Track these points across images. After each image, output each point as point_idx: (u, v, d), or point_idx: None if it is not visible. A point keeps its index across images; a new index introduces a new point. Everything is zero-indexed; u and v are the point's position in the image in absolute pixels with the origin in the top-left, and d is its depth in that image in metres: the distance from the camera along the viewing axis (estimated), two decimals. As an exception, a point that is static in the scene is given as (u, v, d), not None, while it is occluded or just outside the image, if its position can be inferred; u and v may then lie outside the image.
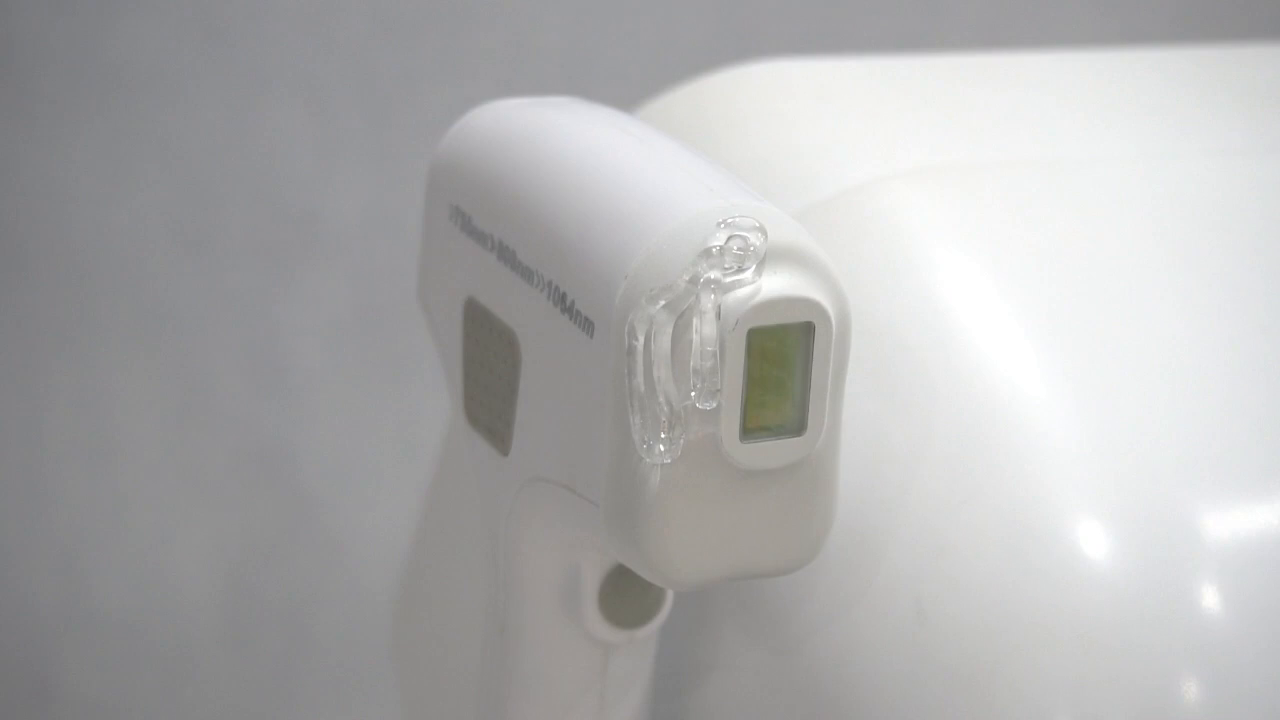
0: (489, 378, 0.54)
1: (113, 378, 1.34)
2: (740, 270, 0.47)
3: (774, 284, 0.47)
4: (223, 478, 1.36)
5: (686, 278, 0.47)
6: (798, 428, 0.48)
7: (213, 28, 1.31)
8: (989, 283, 0.53)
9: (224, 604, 1.37)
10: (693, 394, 0.46)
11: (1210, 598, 0.47)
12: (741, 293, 0.47)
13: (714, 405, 0.47)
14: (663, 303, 0.47)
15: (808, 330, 0.47)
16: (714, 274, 0.47)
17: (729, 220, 0.47)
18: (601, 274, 0.48)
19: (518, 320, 0.52)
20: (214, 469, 1.36)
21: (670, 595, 0.55)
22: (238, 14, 1.31)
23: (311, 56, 1.32)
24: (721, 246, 0.47)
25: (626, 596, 0.55)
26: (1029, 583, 0.48)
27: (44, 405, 1.35)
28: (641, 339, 0.47)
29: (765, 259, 0.47)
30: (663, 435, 0.47)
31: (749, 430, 0.47)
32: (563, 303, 0.49)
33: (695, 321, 0.46)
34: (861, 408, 0.52)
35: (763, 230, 0.47)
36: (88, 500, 1.35)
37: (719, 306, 0.47)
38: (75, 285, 1.33)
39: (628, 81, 1.28)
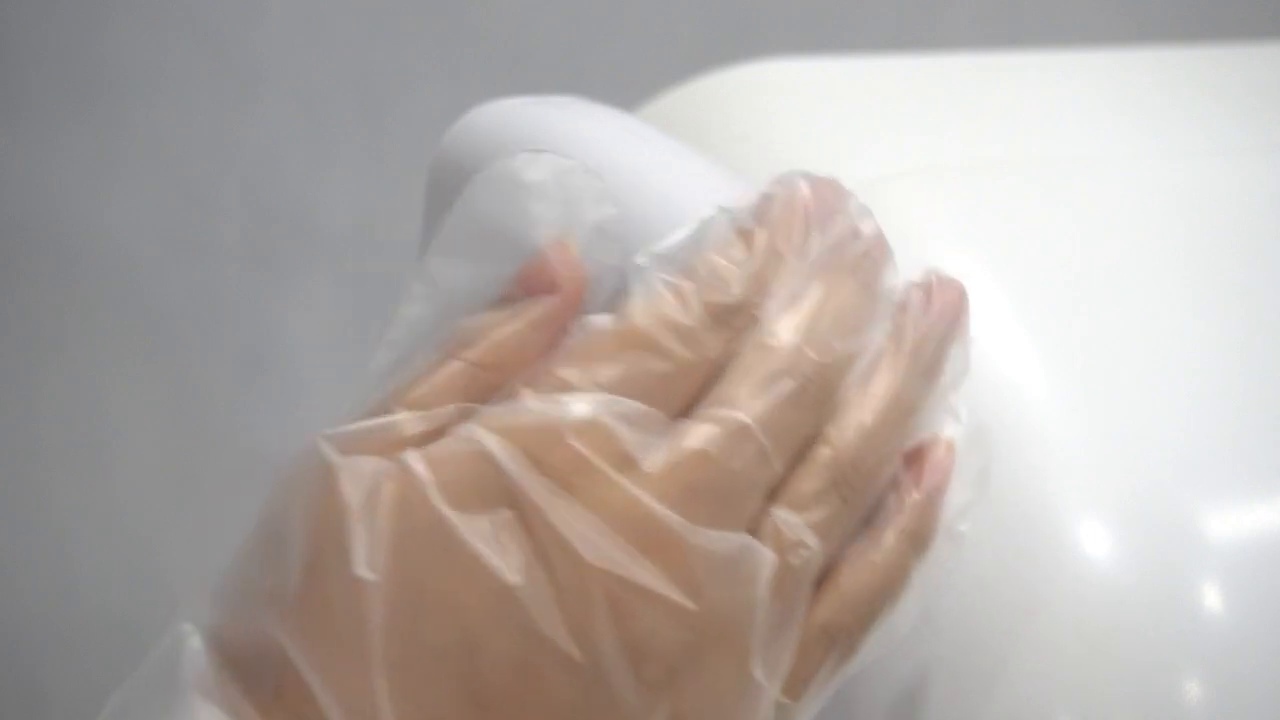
0: (488, 377, 0.54)
1: (106, 381, 1.34)
2: (740, 269, 0.47)
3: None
4: (216, 480, 1.36)
5: (686, 277, 0.46)
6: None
7: (205, 28, 1.31)
8: (989, 282, 0.53)
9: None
10: None
11: (1213, 598, 0.47)
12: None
13: None
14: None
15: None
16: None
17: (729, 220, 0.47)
18: (600, 273, 0.48)
19: (517, 320, 0.52)
20: (208, 472, 1.36)
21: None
22: (230, 14, 1.31)
23: (306, 56, 1.32)
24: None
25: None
26: (1031, 582, 0.48)
27: (37, 408, 1.34)
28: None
29: (765, 258, 0.47)
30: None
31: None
32: (562, 302, 0.49)
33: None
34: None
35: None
36: (81, 503, 1.35)
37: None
38: (68, 288, 1.33)
39: (628, 81, 1.28)
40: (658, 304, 0.43)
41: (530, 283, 0.44)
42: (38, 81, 1.29)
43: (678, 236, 0.45)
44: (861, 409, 0.44)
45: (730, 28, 1.33)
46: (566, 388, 0.42)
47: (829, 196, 0.46)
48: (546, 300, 0.44)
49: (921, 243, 0.54)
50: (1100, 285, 0.54)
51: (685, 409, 0.43)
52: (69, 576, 1.35)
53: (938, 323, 0.46)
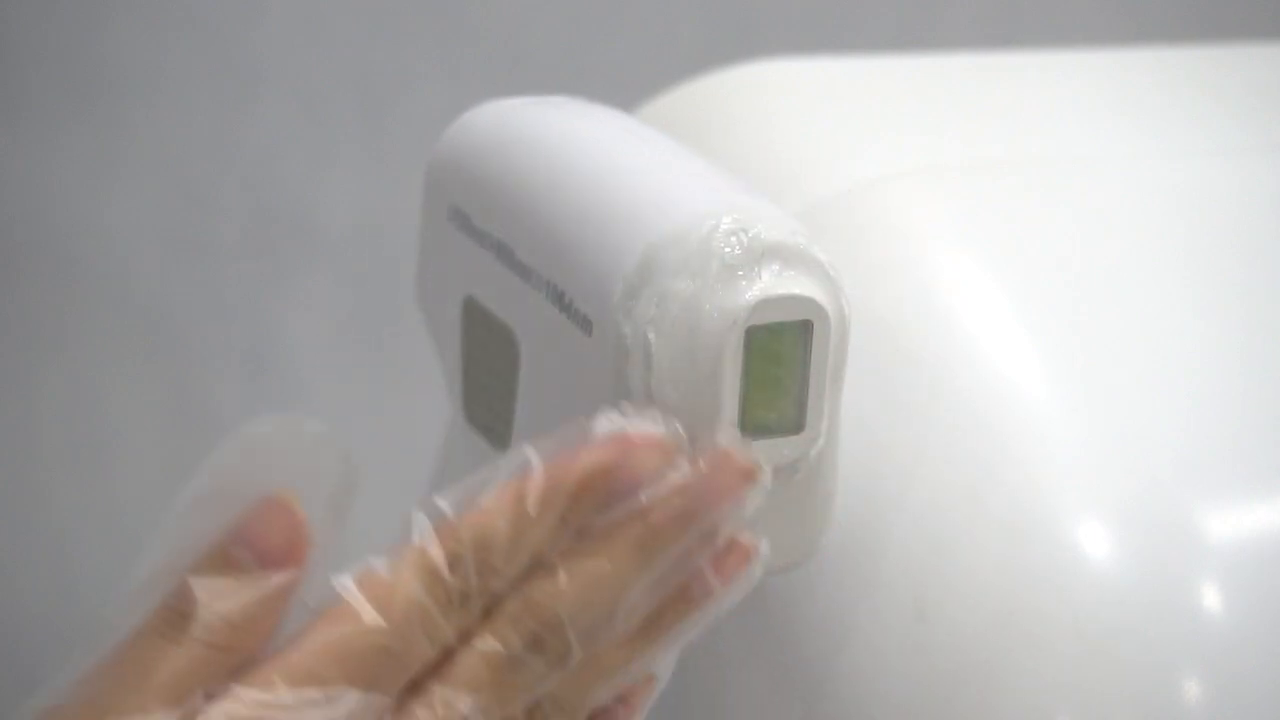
0: (488, 377, 0.54)
1: (106, 381, 1.34)
2: (739, 268, 0.47)
3: (773, 282, 0.47)
4: (219, 480, 1.36)
5: (685, 276, 0.47)
6: (796, 426, 0.48)
7: (205, 28, 1.31)
8: (988, 282, 0.53)
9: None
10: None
11: (1211, 597, 0.47)
12: (740, 291, 0.46)
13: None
14: (660, 300, 0.47)
15: (806, 328, 0.47)
16: (713, 272, 0.47)
17: (728, 219, 0.47)
18: (599, 272, 0.48)
19: (516, 319, 0.52)
20: (211, 471, 1.36)
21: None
22: (230, 14, 1.31)
23: (306, 56, 1.32)
24: (720, 245, 0.47)
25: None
26: (1029, 582, 0.48)
27: (37, 408, 1.34)
28: (639, 337, 0.47)
29: (764, 257, 0.47)
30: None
31: (748, 428, 0.47)
32: (560, 301, 0.49)
33: (693, 320, 0.46)
34: (861, 407, 0.52)
35: (762, 229, 0.47)
36: (81, 503, 1.35)
37: (718, 304, 0.46)
38: (68, 288, 1.33)
39: (628, 81, 1.28)
40: (410, 588, 0.46)
41: (260, 545, 0.46)
42: (38, 81, 1.29)
43: (463, 485, 0.46)
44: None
45: (730, 28, 1.33)
46: (315, 681, 0.44)
47: (647, 462, 0.46)
48: (280, 578, 0.46)
49: (921, 242, 0.54)
50: (1100, 285, 0.54)
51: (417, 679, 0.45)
52: (69, 576, 1.35)
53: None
